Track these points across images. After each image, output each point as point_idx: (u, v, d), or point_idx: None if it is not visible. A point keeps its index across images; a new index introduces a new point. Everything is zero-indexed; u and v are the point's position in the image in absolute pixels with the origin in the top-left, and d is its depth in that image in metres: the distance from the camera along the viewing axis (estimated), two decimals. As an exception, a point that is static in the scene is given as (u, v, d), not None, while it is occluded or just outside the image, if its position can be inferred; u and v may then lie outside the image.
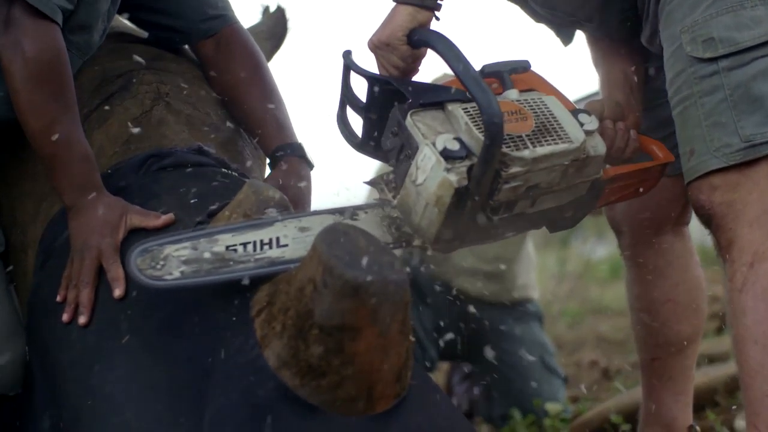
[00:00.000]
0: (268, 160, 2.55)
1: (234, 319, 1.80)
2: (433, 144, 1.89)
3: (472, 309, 4.24)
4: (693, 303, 2.71)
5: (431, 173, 1.88)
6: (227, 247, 1.87)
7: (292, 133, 2.54)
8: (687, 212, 2.68)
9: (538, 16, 2.59)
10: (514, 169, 1.90)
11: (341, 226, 1.68)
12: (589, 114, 2.06)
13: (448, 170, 1.86)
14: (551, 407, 3.95)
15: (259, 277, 1.86)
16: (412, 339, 1.72)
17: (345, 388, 1.64)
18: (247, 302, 1.82)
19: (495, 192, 1.92)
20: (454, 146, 1.88)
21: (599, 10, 2.37)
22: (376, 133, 2.08)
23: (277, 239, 1.90)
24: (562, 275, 6.48)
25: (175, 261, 1.84)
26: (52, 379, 2.06)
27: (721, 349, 4.06)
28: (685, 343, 2.71)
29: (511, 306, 4.30)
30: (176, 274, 1.83)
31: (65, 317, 2.03)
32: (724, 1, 2.06)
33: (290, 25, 3.33)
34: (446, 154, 1.87)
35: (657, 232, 2.60)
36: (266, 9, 3.36)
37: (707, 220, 2.08)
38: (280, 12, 3.34)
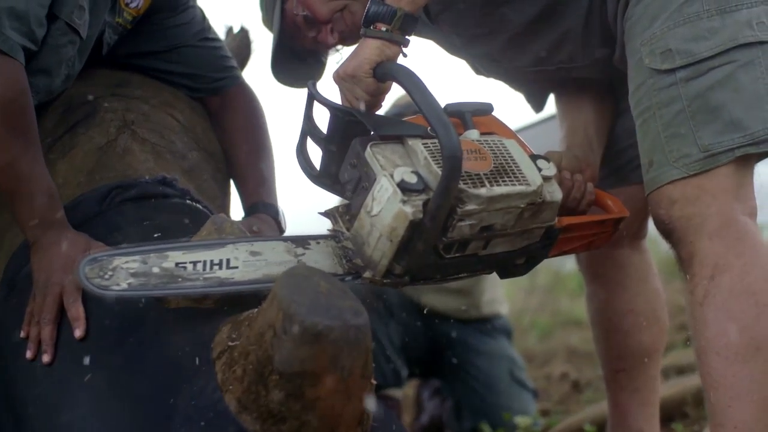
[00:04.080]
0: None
1: (196, 360, 1.80)
2: (391, 176, 1.88)
3: (440, 325, 4.26)
4: (653, 313, 2.74)
5: (387, 204, 1.86)
6: (177, 264, 1.87)
7: (273, 194, 2.63)
8: (643, 227, 2.72)
9: (517, 82, 2.64)
10: (470, 207, 1.89)
11: (302, 269, 1.67)
12: (548, 160, 2.06)
13: (404, 202, 1.85)
14: (521, 421, 3.97)
15: (206, 296, 1.88)
16: (374, 382, 1.72)
17: (306, 433, 1.63)
18: (209, 342, 1.81)
19: (449, 229, 1.90)
20: (412, 179, 1.86)
21: (580, 43, 2.38)
22: (334, 166, 2.06)
23: (228, 261, 1.89)
24: (532, 288, 6.47)
25: (123, 272, 1.84)
26: (18, 415, 2.06)
27: (689, 360, 4.07)
28: (648, 352, 2.74)
29: (480, 321, 4.32)
30: (123, 285, 1.83)
31: (29, 354, 2.03)
32: (681, 12, 2.09)
33: (254, 46, 3.33)
34: (403, 186, 1.86)
35: (614, 246, 2.60)
36: (230, 29, 3.36)
37: (668, 234, 2.11)
38: (244, 33, 3.35)
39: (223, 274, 1.88)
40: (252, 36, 3.35)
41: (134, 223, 2.21)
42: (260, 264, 1.91)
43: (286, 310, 1.56)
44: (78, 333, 1.98)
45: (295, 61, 2.60)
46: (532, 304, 6.31)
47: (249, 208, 2.61)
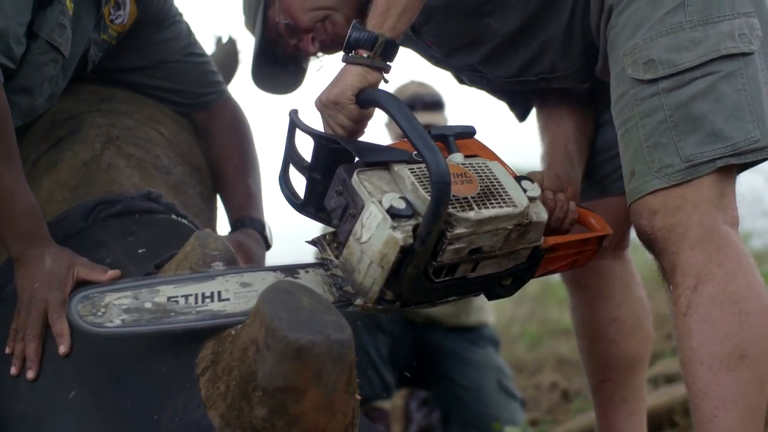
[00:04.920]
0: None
1: (180, 376, 1.80)
2: (380, 202, 1.87)
3: (427, 335, 4.26)
4: (637, 321, 2.75)
5: (377, 231, 1.86)
6: (169, 298, 1.86)
7: (260, 208, 2.64)
8: (625, 238, 2.73)
9: (499, 92, 2.66)
10: (459, 230, 1.89)
11: (285, 285, 1.67)
12: (532, 181, 2.06)
13: (393, 228, 1.85)
14: (510, 430, 3.97)
15: (201, 330, 1.86)
16: (358, 397, 1.71)
17: (290, 449, 1.62)
18: (193, 358, 1.81)
19: (439, 253, 1.91)
20: (401, 205, 1.87)
21: (561, 53, 2.39)
22: (319, 193, 2.06)
23: (219, 293, 1.89)
24: (521, 297, 6.46)
25: (116, 309, 1.84)
26: (2, 430, 2.06)
27: (678, 368, 4.05)
28: (634, 361, 2.75)
29: (467, 330, 4.32)
30: (117, 321, 1.82)
31: (13, 370, 2.03)
32: (664, 23, 2.10)
33: (242, 56, 3.34)
34: (392, 213, 1.86)
35: (597, 257, 2.61)
36: (219, 39, 3.37)
37: (650, 245, 2.12)
38: (232, 43, 3.36)
39: (215, 306, 1.87)
40: (240, 46, 3.37)
41: (119, 239, 2.21)
42: (251, 295, 1.90)
43: (269, 325, 1.56)
44: (62, 349, 1.98)
45: (276, 68, 2.61)
46: (521, 314, 6.31)
47: (235, 223, 2.61)
